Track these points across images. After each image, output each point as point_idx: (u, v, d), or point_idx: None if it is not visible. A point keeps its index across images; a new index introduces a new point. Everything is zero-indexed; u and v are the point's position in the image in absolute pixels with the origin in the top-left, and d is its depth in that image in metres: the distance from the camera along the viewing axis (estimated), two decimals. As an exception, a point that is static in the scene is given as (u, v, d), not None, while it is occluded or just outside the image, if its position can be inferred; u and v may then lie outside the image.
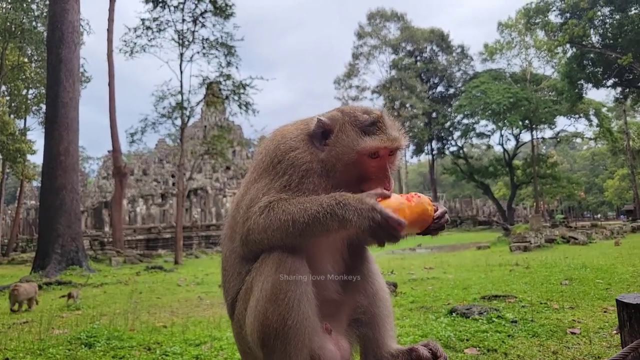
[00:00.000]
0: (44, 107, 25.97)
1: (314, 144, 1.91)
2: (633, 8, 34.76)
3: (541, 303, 4.82)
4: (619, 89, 40.96)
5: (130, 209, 40.03)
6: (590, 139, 52.67)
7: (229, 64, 22.21)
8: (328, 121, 1.90)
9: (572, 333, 3.63)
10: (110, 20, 24.52)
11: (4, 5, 26.88)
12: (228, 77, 22.08)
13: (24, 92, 31.77)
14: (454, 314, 4.38)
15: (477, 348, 3.34)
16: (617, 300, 1.72)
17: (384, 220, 1.60)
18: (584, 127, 50.16)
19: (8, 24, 25.31)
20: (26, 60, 29.40)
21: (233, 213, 1.95)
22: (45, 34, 20.28)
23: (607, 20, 36.91)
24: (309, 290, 1.75)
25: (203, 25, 21.96)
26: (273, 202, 1.75)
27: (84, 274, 12.86)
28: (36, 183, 43.36)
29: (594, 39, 37.95)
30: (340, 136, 1.87)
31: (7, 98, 30.81)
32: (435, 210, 1.83)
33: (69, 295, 7.42)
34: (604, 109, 46.34)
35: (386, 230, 1.61)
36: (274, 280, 1.71)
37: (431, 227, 1.82)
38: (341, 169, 1.85)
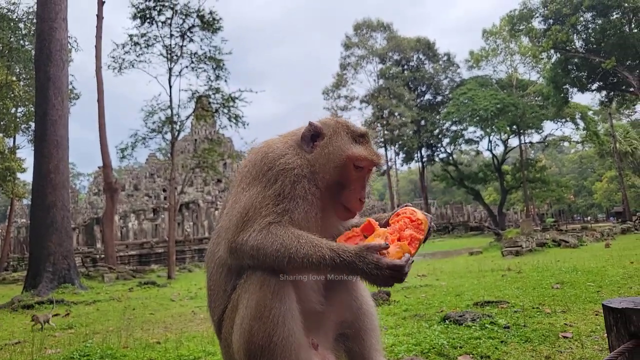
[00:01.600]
0: (33, 125, 25.76)
1: (302, 147, 1.97)
2: (615, 13, 35.46)
3: (533, 308, 4.87)
4: (603, 93, 41.62)
5: (122, 225, 39.69)
6: (577, 142, 53.33)
7: (217, 77, 22.26)
8: (320, 124, 1.98)
9: (565, 337, 3.67)
10: (98, 37, 24.50)
11: (-9, 25, 26.76)
12: (217, 90, 22.12)
13: (13, 110, 31.52)
14: (447, 321, 4.41)
15: (471, 355, 3.37)
16: (603, 305, 1.75)
17: (392, 272, 1.66)
18: (571, 131, 50.83)
19: (-5, 43, 25.21)
20: (14, 78, 29.20)
21: (222, 223, 1.94)
22: (33, 52, 20.23)
23: (590, 25, 37.60)
24: (293, 306, 1.77)
25: (191, 40, 22.02)
26: (273, 225, 1.76)
27: (75, 292, 12.71)
28: (26, 201, 42.91)
29: (578, 44, 38.61)
30: (334, 139, 1.95)
31: (-5, 117, 30.55)
32: (428, 230, 1.90)
33: (35, 319, 6.73)
34: (590, 113, 46.96)
35: (395, 277, 1.68)
36: (258, 298, 1.73)
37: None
38: (326, 172, 1.91)
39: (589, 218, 74.98)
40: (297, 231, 1.76)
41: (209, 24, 21.48)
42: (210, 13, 21.37)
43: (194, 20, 21.49)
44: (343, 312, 2.03)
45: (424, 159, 56.00)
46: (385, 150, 53.58)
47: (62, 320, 7.80)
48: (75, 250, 21.62)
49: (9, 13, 27.38)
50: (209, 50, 22.12)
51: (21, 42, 27.48)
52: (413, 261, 1.72)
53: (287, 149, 1.95)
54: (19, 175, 33.16)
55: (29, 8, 27.85)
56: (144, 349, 4.46)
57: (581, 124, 46.40)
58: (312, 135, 1.98)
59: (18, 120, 31.97)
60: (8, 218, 35.44)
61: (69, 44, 19.61)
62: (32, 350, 4.79)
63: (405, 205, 1.95)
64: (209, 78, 22.24)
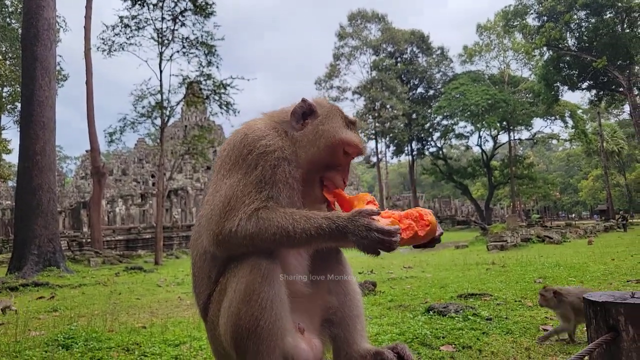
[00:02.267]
0: (19, 105, 25.38)
1: (290, 125, 1.97)
2: (608, 12, 35.71)
3: (515, 301, 4.95)
4: (593, 92, 42.05)
5: (109, 210, 39.38)
6: (565, 140, 53.97)
7: (209, 63, 22.04)
8: (313, 102, 2.00)
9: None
10: (88, 17, 24.09)
11: (-23, 1, 26.20)
12: (208, 76, 21.92)
13: (-1, 90, 31.01)
14: (431, 312, 4.47)
15: (453, 345, 3.42)
16: (584, 298, 1.78)
17: (380, 236, 1.66)
18: (560, 129, 51.47)
19: (-19, 20, 24.67)
20: (0, 57, 28.67)
21: (205, 212, 1.91)
22: (20, 31, 19.84)
23: (583, 24, 37.86)
24: (282, 291, 1.78)
25: (183, 24, 21.74)
26: (260, 210, 1.75)
27: (61, 275, 12.63)
28: (12, 183, 42.30)
29: (570, 42, 38.88)
30: (329, 120, 1.97)
31: (-19, 96, 30.04)
32: (432, 240, 1.89)
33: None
34: (579, 111, 47.48)
35: (382, 244, 1.66)
36: (247, 282, 1.73)
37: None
38: (314, 150, 1.91)
39: (573, 215, 76.15)
40: (287, 210, 1.77)
41: (202, 8, 21.21)
42: (203, -3, 21.10)
43: (186, 4, 21.22)
44: (329, 298, 2.05)
45: (414, 153, 56.24)
46: (376, 142, 53.71)
47: (46, 303, 7.75)
48: (61, 233, 21.42)
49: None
50: (201, 36, 21.88)
51: (7, 20, 26.93)
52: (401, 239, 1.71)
53: (268, 130, 1.92)
54: (4, 156, 32.76)
55: (17, -15, 27.29)
56: (129, 333, 4.46)
57: (570, 122, 46.95)
58: (304, 112, 1.98)
59: (4, 100, 31.45)
60: (-7, 199, 34.97)
61: (57, 24, 19.24)
62: (16, 332, 4.76)
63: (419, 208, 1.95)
64: (201, 64, 22.03)
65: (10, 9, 27.52)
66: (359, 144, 1.98)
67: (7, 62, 29.36)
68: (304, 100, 1.98)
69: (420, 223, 1.81)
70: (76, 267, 15.69)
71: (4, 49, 29.26)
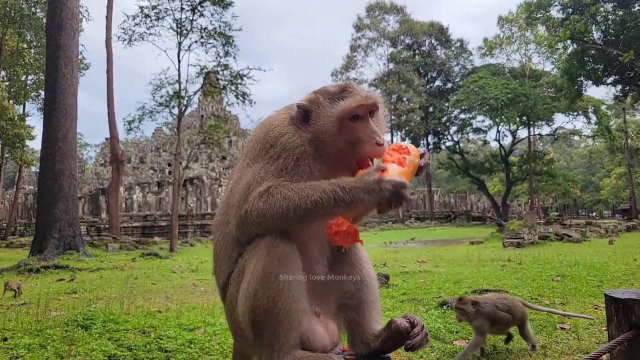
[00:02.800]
0: (42, 93, 25.82)
1: (300, 129, 1.96)
2: (637, 4, 34.61)
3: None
4: (619, 87, 40.95)
5: (127, 196, 40.00)
6: (588, 136, 52.85)
7: (226, 53, 22.11)
8: (306, 103, 1.97)
9: (562, 328, 3.70)
10: (109, 7, 24.36)
11: (4, -10, 26.60)
12: (226, 67, 21.99)
13: (23, 77, 31.62)
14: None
15: (466, 340, 3.40)
16: (605, 294, 1.75)
17: (393, 188, 1.65)
18: (582, 125, 50.45)
19: (7, 9, 25.10)
20: (25, 46, 29.19)
21: (227, 199, 1.97)
22: (44, 19, 20.15)
23: (610, 17, 36.80)
24: (299, 274, 1.80)
25: (201, 15, 21.83)
26: (272, 187, 1.77)
27: (80, 259, 12.91)
28: (34, 168, 43.23)
29: (596, 35, 37.86)
30: (319, 111, 1.93)
31: (7, 83, 30.63)
32: (422, 155, 1.94)
33: (7, 287, 6.73)
34: (603, 107, 46.35)
35: (395, 196, 1.66)
36: (265, 264, 1.75)
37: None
38: (329, 144, 1.90)
39: (594, 214, 74.78)
40: (296, 184, 1.77)
41: (220, -1, 21.25)
42: (222, -13, 21.13)
43: (206, -6, 21.27)
44: (346, 282, 2.06)
45: (430, 146, 55.67)
46: (392, 135, 53.32)
47: (66, 285, 7.94)
48: (80, 219, 21.86)
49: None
50: (219, 26, 21.96)
51: (33, 9, 27.33)
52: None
53: (286, 128, 1.94)
54: (27, 142, 33.42)
55: (41, -26, 27.64)
56: (145, 316, 4.54)
57: (593, 118, 45.85)
58: (304, 116, 1.96)
59: (28, 87, 32.07)
60: (16, 184, 35.84)
61: (80, 13, 19.47)
62: (37, 311, 4.89)
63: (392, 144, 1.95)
64: (218, 54, 22.12)
65: (35, -1, 27.93)
66: (355, 104, 1.88)
67: (32, 51, 29.88)
68: (297, 106, 1.97)
69: (399, 151, 1.84)
70: (94, 252, 16.03)
71: (29, 37, 29.73)
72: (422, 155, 1.93)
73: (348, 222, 1.79)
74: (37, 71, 30.08)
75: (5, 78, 30.31)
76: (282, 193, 1.74)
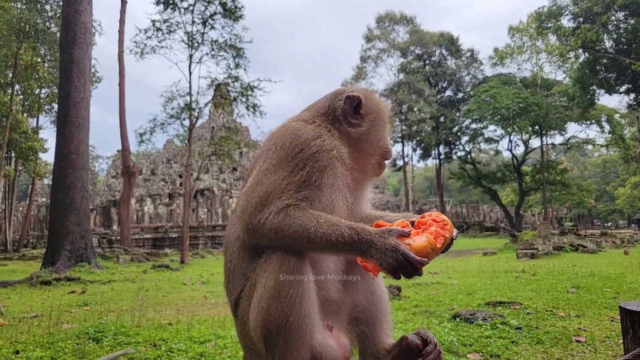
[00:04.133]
0: (56, 106, 26.28)
1: (347, 121, 1.97)
2: (648, 13, 34.40)
3: (547, 310, 4.81)
4: (632, 95, 40.52)
5: (138, 208, 40.33)
6: (601, 145, 52.28)
7: (237, 65, 22.31)
8: (362, 97, 2.00)
9: (577, 341, 3.61)
10: (122, 21, 24.76)
11: (19, 6, 27.23)
12: (236, 78, 22.17)
13: (37, 91, 32.16)
14: (457, 319, 4.38)
15: (480, 353, 3.34)
16: (620, 307, 1.72)
17: (405, 262, 1.62)
18: (596, 134, 49.95)
19: (22, 24, 25.66)
20: (39, 60, 29.75)
21: (241, 204, 1.89)
22: (58, 34, 20.54)
23: (622, 25, 36.59)
24: (310, 288, 1.78)
25: (212, 27, 22.09)
26: (291, 208, 1.74)
27: (91, 271, 12.99)
28: (47, 181, 43.78)
29: (608, 44, 37.62)
30: (378, 121, 2.04)
31: (21, 97, 31.20)
32: (453, 238, 1.83)
33: None
34: (616, 116, 45.89)
35: (407, 270, 1.63)
36: (276, 278, 1.74)
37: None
38: (374, 141, 2.01)
39: (609, 224, 73.59)
40: (315, 212, 1.75)
41: (231, 12, 21.51)
42: (233, 1, 21.39)
43: (216, 8, 21.55)
44: (357, 296, 2.04)
45: (441, 156, 55.47)
46: (403, 145, 53.22)
47: (78, 298, 7.98)
48: (92, 231, 22.05)
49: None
50: (230, 38, 22.17)
51: (47, 24, 27.91)
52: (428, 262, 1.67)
53: (317, 129, 1.90)
54: (40, 155, 33.97)
55: (56, -10, 28.24)
56: (156, 329, 4.53)
57: (607, 127, 45.37)
58: (356, 106, 1.98)
59: (42, 101, 32.60)
60: (29, 197, 36.31)
61: (93, 28, 19.85)
62: (49, 324, 4.91)
63: (431, 210, 1.92)
64: (229, 66, 22.31)
65: (49, 13, 28.50)
66: (390, 149, 2.08)
67: (46, 65, 30.45)
68: (348, 97, 1.98)
69: (442, 227, 1.75)
70: (106, 264, 16.11)
71: (43, 51, 30.33)
72: (453, 239, 1.85)
73: None
74: (50, 85, 30.62)
75: (19, 91, 30.87)
76: (300, 219, 1.71)
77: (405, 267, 1.61)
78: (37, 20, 27.07)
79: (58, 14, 25.92)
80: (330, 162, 1.83)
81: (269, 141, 1.96)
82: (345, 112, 1.96)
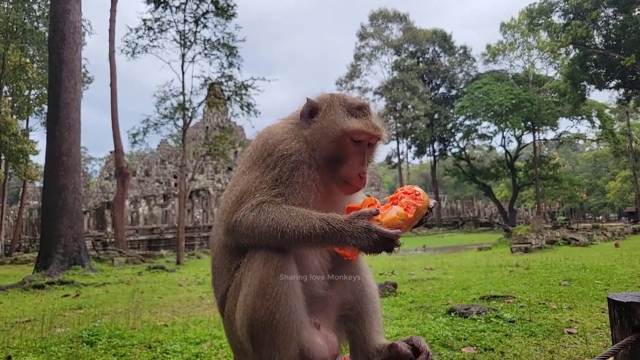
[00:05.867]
0: (46, 107, 26.04)
1: (301, 126, 1.97)
2: (637, 9, 34.69)
3: (539, 303, 4.85)
4: (622, 91, 40.91)
5: (133, 210, 40.12)
6: (592, 140, 52.66)
7: (230, 64, 22.21)
8: (317, 100, 1.99)
9: (569, 333, 3.65)
10: (112, 20, 24.60)
11: (6, 6, 26.94)
12: (230, 77, 22.08)
13: (26, 92, 31.87)
14: (452, 314, 4.41)
15: (475, 347, 3.37)
16: (608, 298, 1.74)
17: (381, 239, 1.64)
18: (587, 129, 50.19)
19: (10, 24, 25.39)
20: (28, 60, 29.45)
21: (222, 205, 1.98)
22: (46, 34, 20.39)
23: (611, 21, 36.86)
24: (296, 284, 1.79)
25: (205, 26, 21.97)
26: (265, 204, 1.78)
27: (85, 274, 12.91)
28: (38, 183, 43.48)
29: (597, 40, 37.89)
30: (328, 113, 1.95)
31: (10, 99, 30.92)
32: (430, 209, 1.85)
33: None
34: (606, 111, 46.25)
35: (385, 245, 1.65)
36: (261, 276, 1.75)
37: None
38: (323, 147, 1.91)
39: (600, 217, 74.17)
40: (288, 207, 1.78)
41: (223, 10, 21.40)
42: (225, -1, 21.30)
43: (208, 6, 21.43)
44: (345, 293, 2.05)
45: (436, 153, 55.69)
46: (397, 143, 53.30)
47: (71, 301, 7.93)
48: (86, 233, 21.92)
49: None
50: (223, 37, 22.06)
51: (35, 23, 27.63)
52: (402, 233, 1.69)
53: (285, 134, 1.95)
54: (31, 157, 33.63)
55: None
56: (151, 330, 4.52)
57: (597, 122, 45.74)
58: (310, 111, 1.98)
59: (31, 102, 32.31)
60: (20, 200, 35.99)
61: (82, 27, 19.68)
62: (42, 328, 4.88)
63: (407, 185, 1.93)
64: (222, 65, 22.20)
65: (37, 13, 28.22)
66: (365, 129, 1.90)
67: (35, 65, 30.16)
68: (307, 100, 2.00)
69: (414, 198, 1.79)
70: (100, 266, 16.03)
71: (31, 52, 30.03)
72: (430, 209, 1.86)
73: None
74: (40, 86, 30.34)
75: (8, 93, 30.58)
76: (273, 213, 1.75)
77: (382, 242, 1.64)
78: (25, 20, 26.77)
79: (46, 14, 25.70)
80: (295, 164, 1.87)
81: (249, 145, 2.07)
82: (302, 114, 1.99)
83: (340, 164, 1.91)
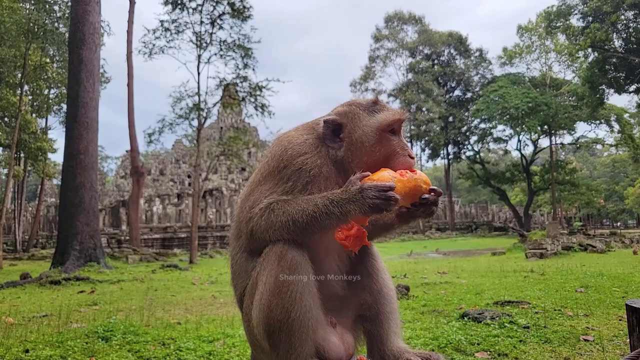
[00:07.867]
0: (64, 106, 26.49)
1: (328, 145, 1.96)
2: (658, 12, 34.06)
3: (555, 310, 4.78)
4: (642, 95, 40.14)
5: (147, 208, 40.52)
6: (611, 145, 51.70)
7: (245, 65, 22.37)
8: (337, 117, 1.98)
9: (585, 340, 3.60)
10: (130, 21, 24.92)
11: (27, 7, 27.45)
12: (245, 78, 22.23)
13: (46, 91, 32.40)
14: (465, 318, 4.37)
15: (488, 352, 3.34)
16: (626, 305, 1.71)
17: (377, 194, 1.66)
18: (605, 134, 49.34)
19: (31, 24, 25.84)
20: (48, 60, 29.95)
21: (238, 212, 2.01)
22: (67, 34, 20.71)
23: (631, 24, 36.21)
24: (310, 283, 1.80)
25: (221, 27, 22.17)
26: (273, 204, 1.81)
27: (100, 271, 13.09)
28: (56, 181, 44.16)
29: (617, 43, 37.24)
30: (356, 123, 1.96)
31: (30, 97, 31.47)
32: (431, 190, 1.85)
33: None
34: (626, 115, 45.39)
35: (380, 200, 1.66)
36: (276, 274, 1.77)
37: (419, 206, 1.85)
38: (366, 154, 1.91)
39: (618, 224, 72.89)
40: (295, 198, 1.81)
41: (239, 12, 21.57)
42: (241, 1, 21.46)
43: (225, 8, 21.64)
44: (363, 293, 2.05)
45: (450, 156, 55.24)
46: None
47: (87, 297, 8.06)
48: (101, 231, 22.21)
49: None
50: (238, 38, 22.23)
51: (56, 24, 28.07)
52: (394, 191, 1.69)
53: (306, 147, 1.94)
54: (49, 155, 34.26)
55: (65, -9, 28.43)
56: (164, 328, 4.57)
57: (616, 127, 44.91)
58: (334, 130, 1.97)
59: (51, 101, 32.86)
60: (38, 197, 36.64)
61: (101, 28, 19.98)
62: (58, 323, 4.97)
63: None
64: (237, 66, 22.38)
65: (58, 14, 28.66)
66: (395, 117, 1.96)
67: (55, 65, 30.66)
68: (325, 122, 1.98)
69: (413, 171, 1.83)
70: (115, 264, 16.23)
71: (51, 52, 30.53)
72: (432, 190, 1.85)
73: (357, 226, 1.79)
74: (59, 85, 30.82)
75: (28, 92, 31.12)
76: (282, 208, 1.78)
77: (379, 197, 1.65)
78: (46, 21, 27.20)
79: (67, 15, 26.10)
80: (312, 179, 1.88)
81: (267, 151, 2.07)
82: (325, 136, 1.97)
83: (387, 159, 1.92)
